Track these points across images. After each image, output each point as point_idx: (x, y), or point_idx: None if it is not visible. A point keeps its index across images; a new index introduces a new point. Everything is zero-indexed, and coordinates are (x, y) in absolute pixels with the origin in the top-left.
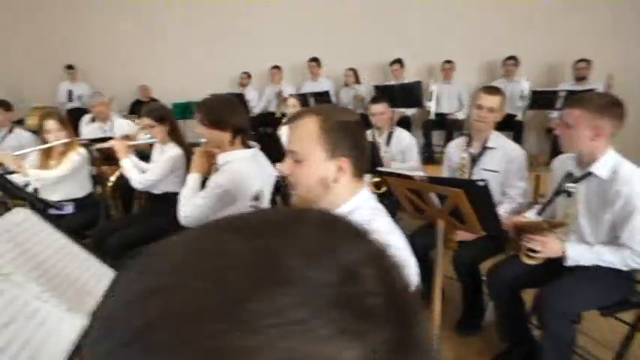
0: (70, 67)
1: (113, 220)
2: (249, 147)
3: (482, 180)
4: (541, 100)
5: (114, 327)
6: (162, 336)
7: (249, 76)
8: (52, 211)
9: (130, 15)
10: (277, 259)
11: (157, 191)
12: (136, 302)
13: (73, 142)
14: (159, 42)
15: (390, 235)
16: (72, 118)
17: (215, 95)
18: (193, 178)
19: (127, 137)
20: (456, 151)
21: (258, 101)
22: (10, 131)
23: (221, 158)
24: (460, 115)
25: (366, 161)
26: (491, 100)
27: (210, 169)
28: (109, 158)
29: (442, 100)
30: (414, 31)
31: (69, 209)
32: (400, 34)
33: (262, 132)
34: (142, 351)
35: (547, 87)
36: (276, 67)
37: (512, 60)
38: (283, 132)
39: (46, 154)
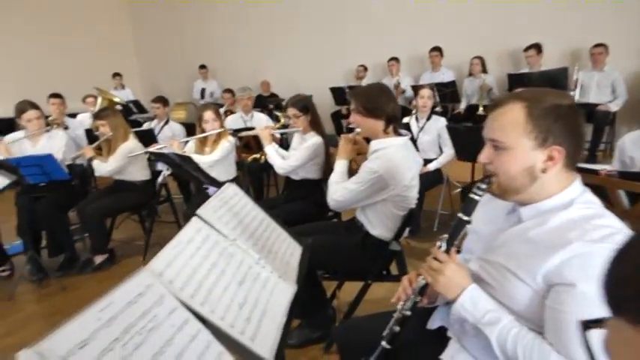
0: (202, 66)
1: None
2: (400, 135)
3: None
4: None
5: None
6: None
7: (365, 68)
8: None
9: (250, 16)
10: None
11: (296, 177)
12: None
13: (224, 131)
14: (276, 39)
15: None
16: None
17: (370, 84)
18: (341, 163)
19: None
20: (634, 145)
21: None
22: (166, 123)
23: (373, 145)
24: (613, 107)
25: (582, 150)
26: None
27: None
28: (248, 146)
29: (590, 89)
30: (548, 12)
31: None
32: (533, 18)
33: None
34: None
35: None
36: (394, 59)
37: None
38: (413, 122)
39: (202, 142)
